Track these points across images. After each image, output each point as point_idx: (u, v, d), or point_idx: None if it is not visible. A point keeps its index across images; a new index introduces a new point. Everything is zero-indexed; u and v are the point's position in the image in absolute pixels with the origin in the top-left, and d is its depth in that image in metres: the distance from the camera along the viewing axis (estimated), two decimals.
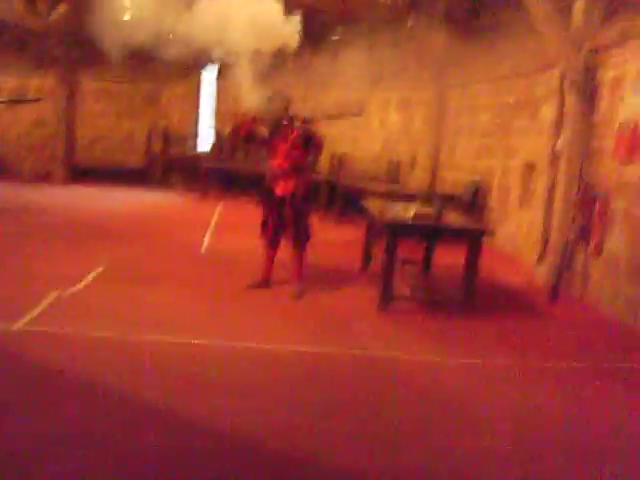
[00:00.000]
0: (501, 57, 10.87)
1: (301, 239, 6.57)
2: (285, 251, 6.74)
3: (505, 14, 11.20)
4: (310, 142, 6.52)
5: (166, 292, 6.30)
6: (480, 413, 4.04)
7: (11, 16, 14.65)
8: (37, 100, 9.63)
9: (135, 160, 16.90)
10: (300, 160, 6.50)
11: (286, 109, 6.60)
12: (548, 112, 8.57)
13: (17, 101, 9.50)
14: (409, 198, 8.55)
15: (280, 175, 6.47)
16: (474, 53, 11.92)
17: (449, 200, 9.93)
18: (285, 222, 6.53)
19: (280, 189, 6.46)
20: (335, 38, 13.69)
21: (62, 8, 15.14)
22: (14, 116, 16.43)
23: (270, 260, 6.73)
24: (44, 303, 5.55)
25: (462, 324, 5.93)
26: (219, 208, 12.49)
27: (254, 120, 6.60)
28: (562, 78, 7.83)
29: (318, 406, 3.93)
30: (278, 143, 6.51)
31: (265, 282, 6.72)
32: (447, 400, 4.20)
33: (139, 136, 16.86)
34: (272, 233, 6.60)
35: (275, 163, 6.52)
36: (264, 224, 6.63)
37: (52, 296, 5.74)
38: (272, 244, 6.67)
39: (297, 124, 6.53)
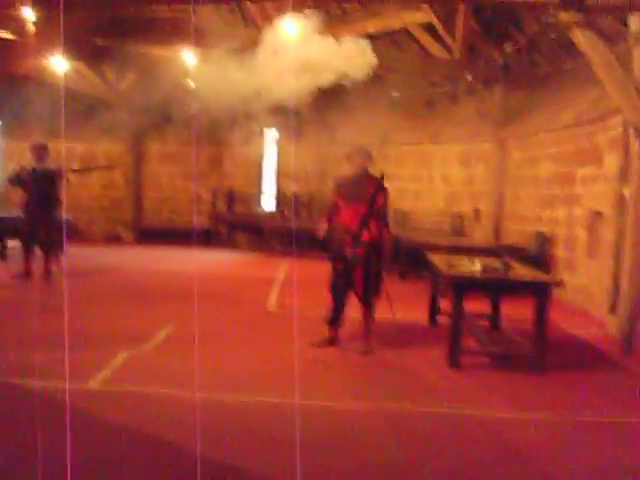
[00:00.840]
0: (562, 106, 10.82)
1: (371, 295, 6.54)
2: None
3: (564, 63, 11.20)
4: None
5: (235, 350, 6.35)
6: (557, 470, 3.92)
7: (81, 85, 15.32)
8: (109, 167, 10.14)
9: (201, 220, 17.25)
10: (376, 225, 6.46)
11: (367, 167, 6.62)
12: (613, 159, 8.46)
13: (90, 169, 10.08)
14: (474, 251, 8.49)
15: (352, 233, 6.43)
16: (534, 103, 11.91)
17: (515, 252, 9.83)
18: (354, 279, 6.50)
19: (350, 246, 6.42)
20: (395, 95, 13.84)
21: (129, 76, 15.76)
22: (85, 180, 17.01)
23: (334, 331, 6.70)
24: (116, 362, 5.67)
25: (534, 378, 5.80)
26: (284, 266, 12.59)
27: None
28: (625, 125, 7.74)
29: (390, 465, 3.87)
30: (353, 201, 6.49)
31: (333, 339, 6.70)
32: (522, 457, 4.10)
33: (204, 197, 17.23)
34: (341, 290, 6.57)
35: (348, 221, 6.51)
36: (334, 281, 6.60)
37: (123, 355, 5.86)
38: (340, 301, 6.63)
39: (380, 185, 6.50)
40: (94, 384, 5.07)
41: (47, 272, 9.56)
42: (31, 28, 10.14)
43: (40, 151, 9.74)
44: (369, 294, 6.52)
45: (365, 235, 6.41)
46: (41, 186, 9.50)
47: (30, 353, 5.68)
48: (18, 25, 11.22)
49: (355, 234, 6.41)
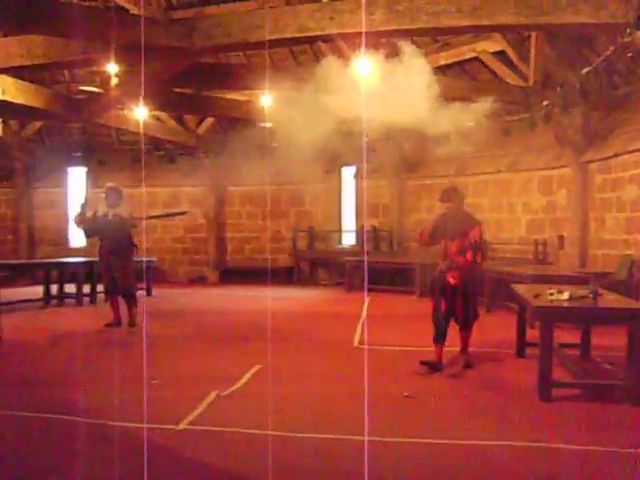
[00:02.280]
0: None
1: (470, 320, 7.07)
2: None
3: None
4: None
5: (323, 388, 6.36)
6: None
7: (162, 132, 15.86)
8: (183, 213, 10.15)
9: (282, 259, 17.47)
10: (472, 254, 6.91)
11: (461, 205, 7.13)
12: None
13: (165, 215, 10.10)
14: (560, 279, 8.32)
15: (454, 268, 6.92)
16: (614, 124, 11.67)
17: (602, 278, 9.57)
18: (455, 308, 6.99)
19: (453, 279, 6.92)
20: (470, 124, 13.76)
21: (208, 122, 16.21)
22: (168, 224, 17.53)
23: (440, 347, 7.02)
24: (205, 403, 5.75)
25: (630, 410, 5.60)
26: (367, 301, 12.57)
27: (433, 230, 7.21)
28: None
29: None
30: (451, 237, 6.99)
31: (439, 365, 6.98)
32: None
33: (285, 235, 17.46)
34: (444, 319, 6.96)
35: (447, 253, 7.03)
36: (436, 312, 7.00)
37: (213, 395, 5.95)
38: (443, 332, 7.00)
39: (475, 222, 7.08)
40: (184, 425, 5.16)
41: (131, 318, 9.52)
42: (114, 81, 10.59)
43: (112, 194, 9.55)
44: (469, 319, 7.04)
45: (461, 260, 6.90)
46: (113, 231, 9.34)
47: (121, 395, 5.84)
48: (103, 79, 11.74)
49: (452, 260, 6.96)
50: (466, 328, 7.12)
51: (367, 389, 6.16)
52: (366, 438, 4.72)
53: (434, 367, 6.91)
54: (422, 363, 6.93)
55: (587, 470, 4.32)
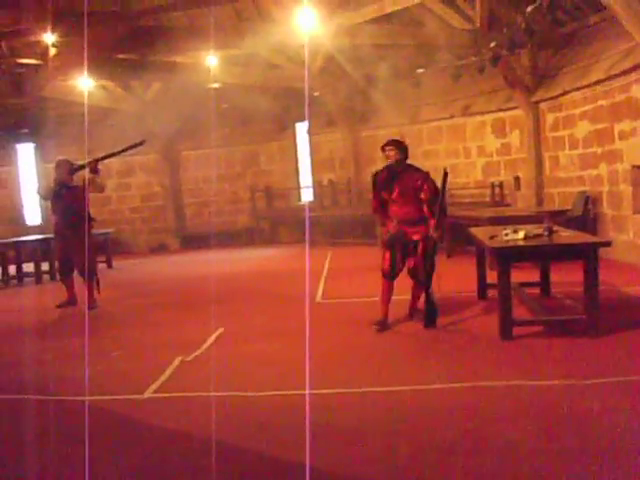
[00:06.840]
0: (591, 62, 10.60)
1: (429, 273, 6.52)
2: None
3: (589, 18, 10.97)
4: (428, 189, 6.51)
5: (287, 345, 6.34)
6: (627, 437, 3.81)
7: (109, 101, 15.52)
8: (141, 143, 9.37)
9: (242, 220, 17.35)
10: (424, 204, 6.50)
11: (405, 157, 6.62)
12: None
13: (124, 150, 9.27)
14: (518, 220, 8.37)
15: (409, 221, 6.54)
16: (562, 62, 11.69)
17: (559, 215, 9.68)
18: (410, 260, 6.58)
19: (413, 234, 6.53)
20: (420, 71, 13.70)
21: (156, 87, 15.90)
22: (124, 193, 17.32)
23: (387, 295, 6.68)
24: (169, 369, 5.71)
25: (590, 342, 5.69)
26: (329, 256, 12.58)
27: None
28: None
29: (453, 442, 3.83)
30: (399, 191, 6.54)
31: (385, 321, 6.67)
32: (589, 423, 4.00)
33: (243, 196, 17.33)
34: (394, 270, 6.58)
35: (400, 210, 6.58)
36: (387, 262, 6.57)
37: (176, 362, 5.90)
38: (391, 279, 6.62)
39: (417, 171, 6.61)
40: (149, 393, 5.12)
41: (90, 298, 8.75)
42: (53, 51, 10.27)
43: (61, 167, 8.82)
44: (428, 271, 6.52)
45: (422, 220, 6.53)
46: (67, 204, 8.68)
47: (82, 370, 5.78)
48: (41, 50, 11.38)
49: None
50: (423, 283, 6.57)
51: (331, 343, 6.19)
52: (313, 392, 4.73)
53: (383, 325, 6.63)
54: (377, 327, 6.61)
55: (551, 404, 4.36)
